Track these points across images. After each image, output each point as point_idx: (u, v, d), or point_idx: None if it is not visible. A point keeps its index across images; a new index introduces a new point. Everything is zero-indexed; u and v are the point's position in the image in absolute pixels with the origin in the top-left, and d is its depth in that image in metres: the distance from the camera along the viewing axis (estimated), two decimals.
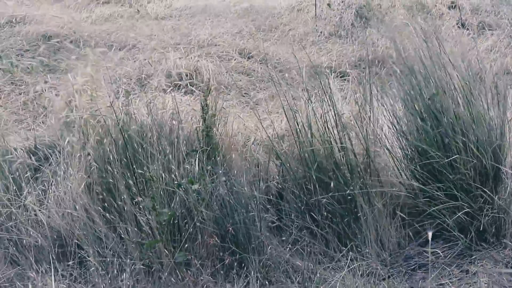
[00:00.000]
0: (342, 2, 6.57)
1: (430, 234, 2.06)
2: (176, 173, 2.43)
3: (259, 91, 4.12)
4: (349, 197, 2.35)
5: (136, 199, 2.31)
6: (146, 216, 2.28)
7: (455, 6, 7.67)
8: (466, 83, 2.41)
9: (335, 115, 2.46)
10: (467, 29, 6.70)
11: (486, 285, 2.11)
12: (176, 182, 2.35)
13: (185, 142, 2.70)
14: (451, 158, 2.32)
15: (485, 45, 6.05)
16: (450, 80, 2.42)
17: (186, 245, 2.25)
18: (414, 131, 2.50)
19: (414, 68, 2.51)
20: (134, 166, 2.49)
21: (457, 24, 6.82)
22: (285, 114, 2.67)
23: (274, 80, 4.25)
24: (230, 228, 2.18)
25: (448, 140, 2.35)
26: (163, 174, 2.43)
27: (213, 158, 2.56)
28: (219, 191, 2.26)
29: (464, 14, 7.23)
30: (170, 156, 2.49)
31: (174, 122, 2.77)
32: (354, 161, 2.41)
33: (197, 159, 2.49)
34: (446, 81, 2.43)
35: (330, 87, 2.56)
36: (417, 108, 2.47)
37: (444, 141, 2.37)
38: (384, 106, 2.72)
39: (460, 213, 2.30)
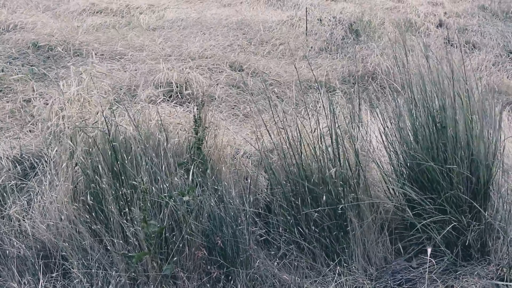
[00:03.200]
0: (333, 18, 6.67)
1: (429, 250, 2.08)
2: (164, 185, 2.41)
3: (249, 104, 4.13)
4: (340, 211, 2.36)
5: (124, 210, 2.28)
6: (133, 227, 2.26)
7: (442, 25, 7.83)
8: (465, 100, 2.45)
9: (330, 129, 2.47)
10: (455, 47, 6.82)
11: None
12: (165, 194, 2.33)
13: (172, 154, 2.69)
14: (448, 167, 2.35)
15: (472, 63, 6.16)
16: (451, 96, 2.46)
17: (174, 258, 2.22)
18: (409, 142, 2.52)
19: (413, 83, 2.55)
20: (123, 177, 2.47)
21: (444, 42, 6.94)
22: (277, 127, 2.68)
23: (265, 93, 4.28)
24: (220, 241, 2.16)
25: (446, 153, 2.38)
26: (150, 186, 2.41)
27: (202, 171, 2.55)
28: (209, 203, 2.24)
29: (451, 33, 7.37)
30: (157, 168, 2.48)
31: (162, 133, 2.77)
32: (346, 175, 2.41)
33: (191, 171, 2.48)
34: (448, 96, 2.47)
35: (322, 101, 2.57)
36: (419, 121, 2.50)
37: (445, 153, 2.40)
38: (373, 119, 2.75)
39: (449, 227, 2.32)
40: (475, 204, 2.35)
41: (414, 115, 2.55)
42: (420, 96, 2.55)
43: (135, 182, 2.34)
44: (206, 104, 3.41)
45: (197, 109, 2.73)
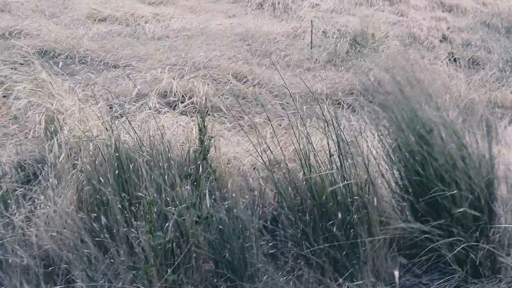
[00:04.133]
0: (338, 30, 6.69)
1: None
2: (168, 197, 2.38)
3: (254, 115, 4.12)
4: (349, 226, 2.32)
5: (130, 222, 2.25)
6: (138, 238, 2.22)
7: (446, 39, 7.86)
8: (456, 120, 2.43)
9: (338, 143, 2.45)
10: (458, 62, 6.85)
11: None
12: (170, 207, 2.30)
13: (177, 165, 2.66)
14: (450, 193, 2.32)
15: (475, 78, 6.18)
16: (441, 116, 2.43)
17: (179, 270, 2.19)
18: (410, 162, 2.50)
19: (401, 102, 2.51)
20: (127, 188, 2.44)
21: (447, 57, 6.97)
22: (282, 140, 2.66)
23: (270, 105, 4.27)
24: (227, 254, 2.13)
25: (446, 175, 2.35)
26: (156, 197, 2.38)
27: (209, 182, 2.52)
28: (218, 216, 2.21)
29: (455, 47, 7.40)
30: (163, 178, 2.45)
31: (167, 144, 2.74)
32: (355, 190, 2.39)
33: (200, 182, 2.45)
34: (438, 116, 2.44)
35: (331, 115, 2.56)
36: (411, 143, 2.47)
37: (443, 176, 2.37)
38: (376, 136, 2.72)
39: (459, 248, 2.28)
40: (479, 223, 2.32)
41: (404, 136, 2.50)
42: (404, 118, 2.49)
43: (140, 194, 2.30)
44: (210, 114, 3.40)
45: (201, 117, 2.70)
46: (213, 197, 2.34)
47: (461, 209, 2.30)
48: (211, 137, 2.78)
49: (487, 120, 2.59)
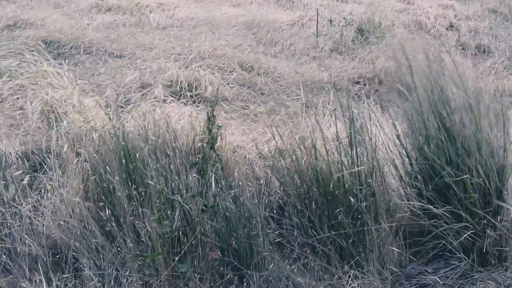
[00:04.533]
0: (344, 19, 6.63)
1: None
2: (174, 184, 2.38)
3: (260, 104, 4.10)
4: (356, 214, 2.32)
5: (137, 211, 2.26)
6: (145, 227, 2.23)
7: (453, 27, 7.77)
8: (472, 104, 2.41)
9: (349, 131, 2.43)
10: (465, 50, 6.77)
11: None
12: (177, 195, 2.30)
13: (183, 154, 2.66)
14: (461, 177, 2.30)
15: (483, 66, 6.12)
16: (458, 100, 2.41)
17: (185, 258, 2.19)
18: (421, 146, 2.48)
19: (421, 86, 2.50)
20: (134, 177, 2.44)
21: (455, 45, 6.89)
22: (288, 128, 2.64)
23: (275, 94, 4.25)
24: (234, 243, 2.13)
25: (457, 158, 2.34)
26: (163, 186, 2.38)
27: (216, 170, 2.51)
28: (224, 204, 2.21)
29: (462, 35, 7.32)
30: (168, 167, 2.44)
31: (171, 133, 2.73)
32: (362, 178, 2.38)
33: (206, 171, 2.45)
34: (455, 100, 2.42)
35: (340, 102, 2.53)
36: (429, 126, 2.46)
37: (456, 159, 2.36)
38: (385, 123, 2.71)
39: (465, 234, 2.27)
40: (487, 210, 2.31)
41: (422, 120, 2.49)
42: (426, 101, 2.49)
43: (150, 182, 2.30)
44: (217, 104, 3.38)
45: (210, 106, 2.69)
46: (219, 185, 2.34)
47: (473, 195, 2.29)
48: (219, 126, 2.77)
49: (499, 108, 2.57)
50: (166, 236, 2.13)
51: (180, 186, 2.32)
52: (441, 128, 2.42)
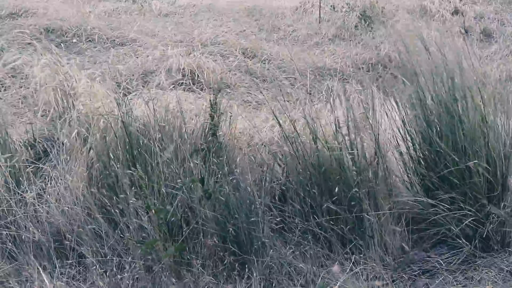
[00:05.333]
0: (347, 4, 6.56)
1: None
2: (177, 170, 2.39)
3: (262, 91, 4.09)
4: (355, 201, 2.32)
5: (139, 197, 2.27)
6: (148, 214, 2.24)
7: (458, 12, 7.67)
8: (479, 90, 2.39)
9: (347, 117, 2.43)
10: (470, 35, 6.69)
11: None
12: (179, 180, 2.31)
13: (187, 140, 2.66)
14: (470, 163, 2.29)
15: (488, 51, 6.05)
16: (462, 87, 2.39)
17: (185, 245, 2.21)
18: (425, 132, 2.47)
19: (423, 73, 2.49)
20: (138, 163, 2.45)
21: (460, 30, 6.80)
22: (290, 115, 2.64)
23: (278, 81, 4.23)
24: (231, 229, 2.14)
25: (462, 143, 2.33)
26: (164, 172, 2.39)
27: (218, 157, 2.52)
28: (224, 191, 2.22)
29: (467, 20, 7.22)
30: (172, 154, 2.45)
31: (177, 120, 2.73)
32: (362, 164, 2.38)
33: (209, 158, 2.45)
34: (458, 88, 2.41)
35: (345, 89, 2.52)
36: (432, 112, 2.44)
37: (460, 144, 2.35)
38: (389, 109, 2.69)
39: (467, 221, 2.27)
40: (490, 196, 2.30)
41: (426, 105, 2.48)
42: (430, 87, 2.47)
43: (148, 169, 2.31)
44: (220, 91, 3.37)
45: (213, 94, 2.69)
46: (220, 172, 2.35)
47: (479, 179, 2.28)
48: (221, 113, 2.76)
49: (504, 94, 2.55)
50: (161, 222, 2.14)
51: (181, 173, 2.33)
52: (445, 114, 2.40)
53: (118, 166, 2.38)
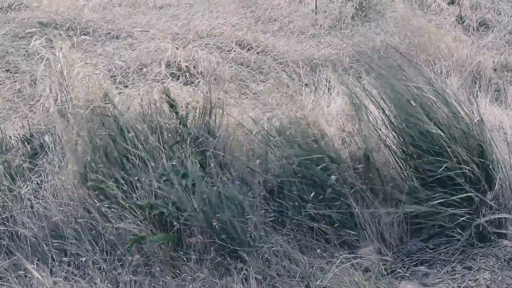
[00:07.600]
0: None
1: None
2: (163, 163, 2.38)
3: (258, 83, 4.08)
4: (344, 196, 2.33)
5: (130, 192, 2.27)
6: (141, 208, 2.24)
7: (454, 2, 7.63)
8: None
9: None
10: (467, 25, 6.67)
11: (488, 281, 2.09)
12: (164, 173, 2.31)
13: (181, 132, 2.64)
14: (444, 166, 2.29)
15: (484, 41, 6.03)
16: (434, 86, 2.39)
17: (176, 235, 2.21)
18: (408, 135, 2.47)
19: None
20: (129, 157, 2.44)
21: (456, 20, 6.78)
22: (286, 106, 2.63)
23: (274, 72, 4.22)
24: (215, 223, 2.14)
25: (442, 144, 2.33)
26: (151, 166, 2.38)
27: (213, 150, 2.51)
28: (218, 183, 2.21)
29: (463, 10, 7.19)
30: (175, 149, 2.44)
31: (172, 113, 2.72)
32: (357, 154, 2.38)
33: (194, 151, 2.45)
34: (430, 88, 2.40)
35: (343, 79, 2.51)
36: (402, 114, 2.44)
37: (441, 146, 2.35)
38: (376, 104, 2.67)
39: (461, 219, 2.28)
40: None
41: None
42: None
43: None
44: (215, 83, 3.37)
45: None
46: (212, 164, 2.34)
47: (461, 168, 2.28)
48: (215, 105, 2.76)
49: (467, 82, 2.54)
50: (144, 218, 2.15)
51: (166, 167, 2.32)
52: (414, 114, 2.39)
53: (109, 161, 2.38)
